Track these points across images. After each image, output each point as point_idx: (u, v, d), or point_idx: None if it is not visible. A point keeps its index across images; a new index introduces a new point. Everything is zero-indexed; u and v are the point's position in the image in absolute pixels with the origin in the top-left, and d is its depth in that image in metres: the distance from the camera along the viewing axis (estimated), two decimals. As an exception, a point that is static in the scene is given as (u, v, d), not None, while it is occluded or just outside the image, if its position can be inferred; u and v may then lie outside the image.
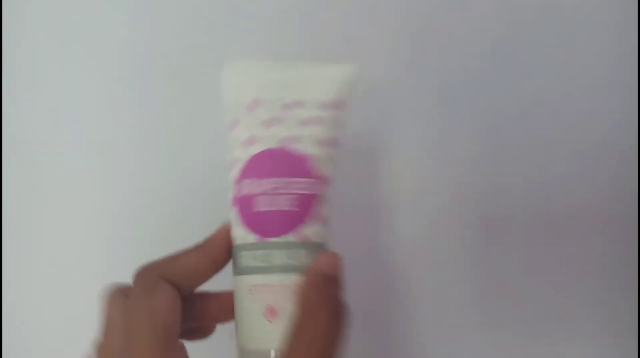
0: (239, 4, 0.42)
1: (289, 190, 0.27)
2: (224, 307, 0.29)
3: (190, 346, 0.27)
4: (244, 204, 0.27)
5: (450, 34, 0.39)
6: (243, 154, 0.28)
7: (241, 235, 0.27)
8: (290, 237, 0.26)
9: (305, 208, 0.27)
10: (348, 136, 0.34)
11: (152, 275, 0.26)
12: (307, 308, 0.24)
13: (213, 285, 0.28)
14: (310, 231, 0.27)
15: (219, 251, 0.28)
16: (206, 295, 0.29)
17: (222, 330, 0.30)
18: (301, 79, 0.28)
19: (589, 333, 0.37)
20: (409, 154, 0.40)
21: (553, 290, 0.37)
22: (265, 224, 0.27)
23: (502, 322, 0.38)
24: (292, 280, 0.26)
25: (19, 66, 0.44)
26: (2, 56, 0.43)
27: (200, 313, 0.29)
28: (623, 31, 0.37)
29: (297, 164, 0.27)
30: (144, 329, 0.23)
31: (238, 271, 0.27)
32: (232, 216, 0.28)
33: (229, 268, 0.28)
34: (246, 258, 0.27)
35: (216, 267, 0.28)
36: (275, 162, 0.27)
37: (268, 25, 0.42)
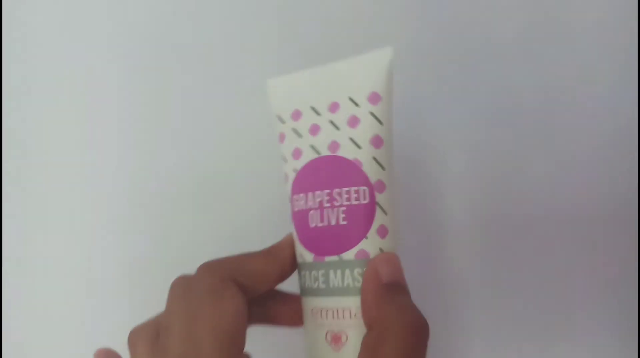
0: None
1: (341, 202, 0.24)
2: (293, 312, 0.26)
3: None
4: (298, 220, 0.25)
5: (450, 33, 0.38)
6: (292, 168, 0.26)
7: (300, 253, 0.25)
8: (347, 255, 0.23)
9: (360, 220, 0.24)
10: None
11: (219, 274, 0.23)
12: (378, 328, 0.21)
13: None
14: (369, 246, 0.23)
15: (287, 260, 0.26)
16: (276, 294, 0.27)
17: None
18: (334, 79, 0.25)
19: (589, 333, 0.36)
20: (414, 156, 0.38)
21: (553, 289, 0.36)
22: (319, 241, 0.24)
23: (501, 322, 0.37)
24: (356, 303, 0.23)
25: (19, 64, 0.44)
26: (2, 56, 0.44)
27: (268, 314, 0.27)
28: (623, 31, 0.36)
29: (345, 171, 0.24)
30: (210, 336, 0.21)
31: (302, 291, 0.25)
32: (292, 232, 0.26)
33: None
34: (306, 279, 0.25)
35: (283, 275, 0.26)
36: (322, 172, 0.25)
37: (280, 16, 0.41)
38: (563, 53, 0.37)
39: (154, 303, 0.25)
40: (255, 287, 0.24)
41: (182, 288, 0.23)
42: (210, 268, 0.24)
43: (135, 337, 0.23)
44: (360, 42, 0.39)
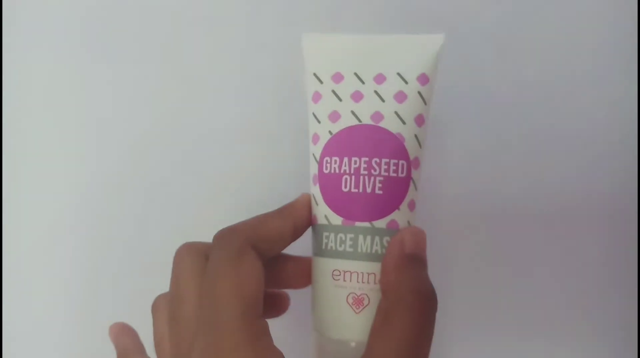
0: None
1: (380, 172, 0.25)
2: (299, 273, 0.27)
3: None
4: (328, 182, 0.25)
5: (451, 33, 0.38)
6: (328, 129, 0.26)
7: (325, 214, 0.25)
8: (379, 223, 0.24)
9: (395, 192, 0.25)
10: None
11: (238, 240, 0.23)
12: (393, 294, 0.22)
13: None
14: (400, 217, 0.25)
15: (300, 219, 0.26)
16: (282, 257, 0.27)
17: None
18: (382, 51, 0.25)
19: (589, 333, 0.36)
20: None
21: (553, 289, 0.36)
22: (352, 206, 0.25)
23: (501, 322, 0.37)
24: (379, 269, 0.24)
25: (18, 62, 0.41)
26: (2, 55, 0.41)
27: (275, 276, 0.27)
28: (623, 30, 0.36)
29: (387, 143, 0.25)
30: (232, 300, 0.21)
31: (320, 252, 0.25)
32: (314, 193, 0.26)
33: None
34: (330, 240, 0.25)
35: (296, 234, 0.26)
36: (365, 140, 0.25)
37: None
38: (563, 52, 0.37)
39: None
40: (271, 249, 0.25)
41: (191, 255, 0.24)
42: (229, 233, 0.24)
43: (158, 302, 0.23)
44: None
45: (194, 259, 0.24)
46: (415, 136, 0.25)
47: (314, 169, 0.26)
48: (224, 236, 0.24)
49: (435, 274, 0.35)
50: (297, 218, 0.26)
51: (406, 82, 0.25)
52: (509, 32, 0.37)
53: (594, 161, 0.36)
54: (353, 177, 0.25)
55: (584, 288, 0.36)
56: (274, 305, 0.29)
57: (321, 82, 0.26)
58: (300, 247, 0.27)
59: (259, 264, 0.23)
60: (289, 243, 0.26)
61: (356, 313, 0.24)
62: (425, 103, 0.25)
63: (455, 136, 0.37)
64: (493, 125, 0.37)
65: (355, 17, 0.39)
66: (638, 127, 0.35)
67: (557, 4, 0.37)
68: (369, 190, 0.25)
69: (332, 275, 0.25)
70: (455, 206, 0.37)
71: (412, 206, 0.25)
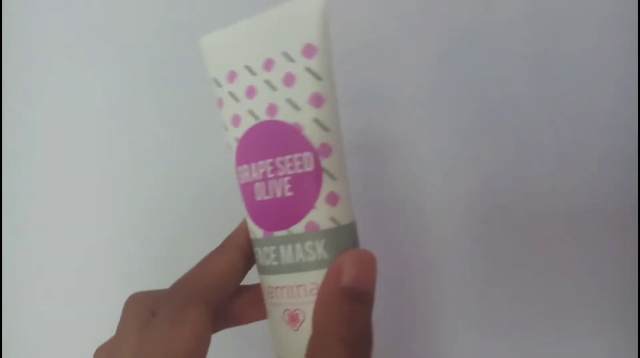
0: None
1: (285, 171, 0.22)
2: (251, 304, 0.24)
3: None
4: (245, 194, 0.23)
5: (453, 34, 0.37)
6: (233, 137, 0.23)
7: (251, 229, 0.23)
8: (296, 228, 0.21)
9: (306, 189, 0.21)
10: (356, 134, 0.37)
11: (179, 298, 0.22)
12: (318, 337, 0.19)
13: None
14: (318, 216, 0.21)
15: (247, 245, 0.24)
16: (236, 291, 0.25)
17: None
18: (267, 32, 0.22)
19: (589, 333, 0.35)
20: (415, 153, 0.38)
21: (553, 289, 0.35)
22: (268, 215, 0.22)
23: (501, 322, 0.36)
24: (310, 279, 0.21)
25: (20, 65, 0.44)
26: (1, 55, 0.43)
27: (231, 316, 0.25)
28: (623, 30, 0.35)
29: (286, 137, 0.22)
30: None
31: (258, 269, 0.24)
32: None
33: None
34: (259, 256, 0.23)
35: (250, 262, 0.24)
36: (263, 139, 0.22)
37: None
38: (563, 51, 0.36)
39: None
40: (225, 290, 0.23)
41: (138, 309, 0.22)
42: (171, 294, 0.22)
43: (99, 351, 0.23)
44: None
45: (138, 314, 0.22)
46: (315, 119, 0.21)
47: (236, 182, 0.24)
48: (169, 295, 0.22)
49: (436, 274, 0.37)
50: (242, 245, 0.24)
51: (292, 61, 0.21)
52: (511, 30, 0.36)
53: (594, 161, 0.35)
54: (262, 183, 0.22)
55: (584, 288, 0.35)
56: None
57: (220, 85, 0.24)
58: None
59: (201, 325, 0.21)
60: (245, 273, 0.24)
61: (295, 330, 0.22)
62: (319, 78, 0.21)
63: (455, 136, 0.37)
64: (493, 126, 0.36)
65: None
66: (638, 128, 0.35)
67: (559, 6, 0.36)
68: (278, 194, 0.22)
69: (268, 292, 0.23)
70: (455, 207, 0.37)
71: (332, 199, 0.21)
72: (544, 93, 0.36)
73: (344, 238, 0.21)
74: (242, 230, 0.24)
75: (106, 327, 0.29)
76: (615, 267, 0.34)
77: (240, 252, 0.24)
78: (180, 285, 0.23)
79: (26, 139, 0.44)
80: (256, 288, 0.24)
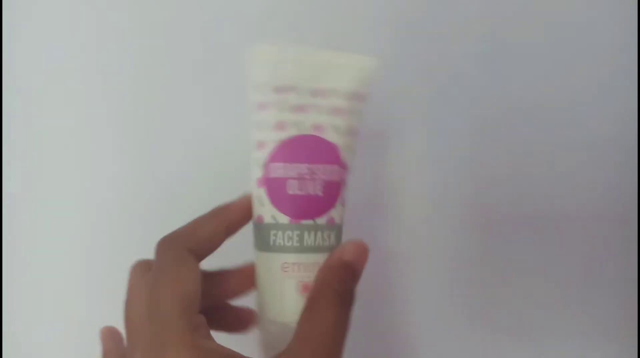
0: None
1: (320, 176, 0.29)
2: (242, 282, 0.31)
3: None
4: (274, 186, 0.29)
5: (451, 32, 0.39)
6: (273, 137, 0.29)
7: (271, 214, 0.29)
8: (321, 220, 0.29)
9: (332, 193, 0.29)
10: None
11: (176, 247, 0.27)
12: (319, 288, 0.27)
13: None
14: (335, 213, 0.29)
15: (234, 220, 0.29)
16: (224, 274, 0.31)
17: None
18: (329, 67, 0.29)
19: (589, 333, 0.36)
20: (411, 151, 0.40)
21: (552, 289, 0.37)
22: (297, 207, 0.28)
23: (500, 322, 0.38)
24: (323, 259, 0.28)
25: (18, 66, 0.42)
26: (1, 56, 0.42)
27: (218, 291, 0.31)
28: (623, 30, 0.36)
29: (326, 151, 0.29)
30: (171, 297, 0.24)
31: (268, 248, 0.29)
32: (259, 195, 0.29)
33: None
34: (278, 237, 0.28)
35: (228, 234, 0.30)
36: (306, 148, 0.29)
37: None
38: (563, 51, 0.37)
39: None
40: (207, 249, 0.29)
41: (141, 268, 0.27)
42: (169, 242, 0.27)
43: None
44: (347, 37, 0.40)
45: (142, 270, 0.27)
46: (349, 146, 0.30)
47: (257, 173, 0.29)
48: (164, 243, 0.27)
49: (432, 273, 0.38)
50: (230, 220, 0.29)
51: (341, 98, 0.29)
52: (505, 35, 0.38)
53: (594, 161, 0.36)
54: (297, 181, 0.28)
55: (583, 288, 0.37)
56: (240, 320, 0.32)
57: (264, 93, 0.29)
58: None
59: (195, 266, 0.26)
60: (222, 242, 0.29)
61: (303, 296, 0.28)
62: (359, 118, 0.30)
63: (454, 137, 0.38)
64: (494, 127, 0.38)
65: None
66: (638, 128, 0.35)
67: (558, 6, 0.37)
68: (311, 192, 0.29)
69: (282, 267, 0.28)
70: (456, 208, 0.38)
71: (343, 203, 0.30)
72: (543, 93, 0.37)
73: (342, 232, 0.30)
74: (240, 206, 0.30)
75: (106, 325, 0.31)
76: (615, 267, 0.35)
77: (229, 223, 0.29)
78: (171, 239, 0.28)
79: (26, 139, 0.43)
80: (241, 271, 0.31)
